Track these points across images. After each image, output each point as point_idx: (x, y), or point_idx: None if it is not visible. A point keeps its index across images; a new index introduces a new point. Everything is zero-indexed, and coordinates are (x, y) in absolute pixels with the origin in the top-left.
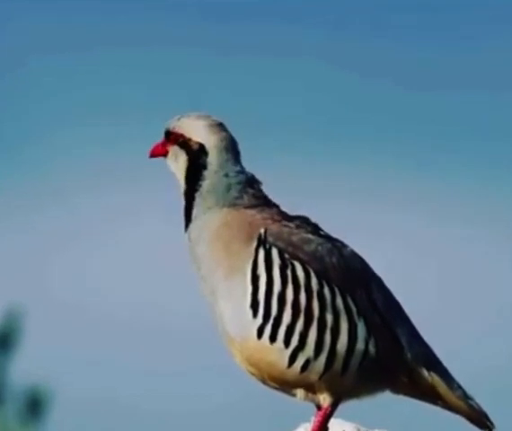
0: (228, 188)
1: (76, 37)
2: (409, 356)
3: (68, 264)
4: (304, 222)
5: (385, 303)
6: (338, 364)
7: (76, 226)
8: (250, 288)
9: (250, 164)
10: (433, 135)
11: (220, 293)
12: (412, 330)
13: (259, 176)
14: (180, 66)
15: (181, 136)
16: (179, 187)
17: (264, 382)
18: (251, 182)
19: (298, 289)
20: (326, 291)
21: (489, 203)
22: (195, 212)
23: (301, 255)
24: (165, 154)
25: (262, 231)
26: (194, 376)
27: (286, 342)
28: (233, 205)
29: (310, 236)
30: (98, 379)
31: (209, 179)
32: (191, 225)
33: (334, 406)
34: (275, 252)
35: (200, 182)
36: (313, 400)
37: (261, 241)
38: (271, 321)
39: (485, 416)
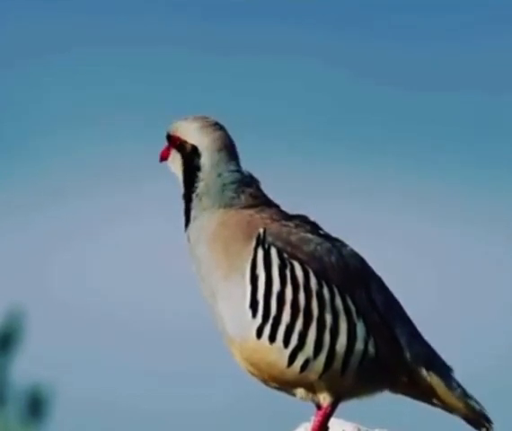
0: (222, 188)
1: (76, 36)
2: (408, 355)
3: (68, 264)
4: (303, 221)
5: (385, 302)
6: (337, 363)
7: (76, 226)
8: (249, 288)
9: (250, 164)
10: (433, 135)
11: (220, 293)
12: (413, 330)
13: (259, 176)
14: (181, 66)
15: (178, 138)
16: (180, 188)
17: (264, 381)
18: (248, 181)
19: (297, 289)
20: (325, 291)
21: (489, 203)
22: (193, 213)
23: (300, 255)
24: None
25: (261, 230)
26: (194, 376)
27: (286, 342)
28: (229, 205)
29: (309, 236)
30: (98, 379)
31: (204, 180)
32: (190, 226)
33: (334, 405)
34: (274, 252)
35: (196, 184)
36: (312, 400)
37: (260, 241)
38: (271, 321)
39: (483, 416)
